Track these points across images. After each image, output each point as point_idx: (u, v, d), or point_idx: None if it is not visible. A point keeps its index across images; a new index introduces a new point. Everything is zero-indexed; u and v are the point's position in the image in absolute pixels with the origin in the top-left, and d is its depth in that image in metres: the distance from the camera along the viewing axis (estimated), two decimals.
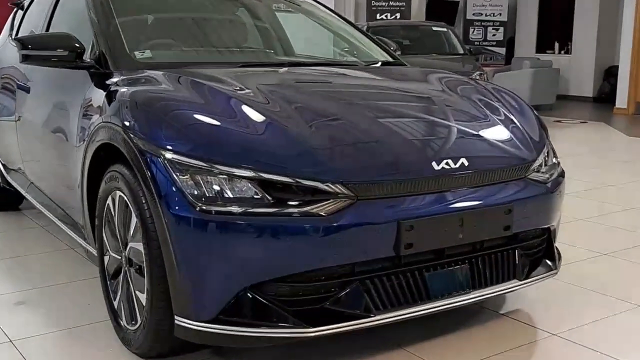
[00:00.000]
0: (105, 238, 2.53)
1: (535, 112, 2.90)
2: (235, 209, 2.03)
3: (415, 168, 2.25)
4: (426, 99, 2.83)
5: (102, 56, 2.78)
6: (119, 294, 2.45)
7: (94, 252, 2.69)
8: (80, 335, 2.57)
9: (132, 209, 2.26)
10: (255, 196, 2.05)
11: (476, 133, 2.54)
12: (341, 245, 2.08)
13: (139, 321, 2.29)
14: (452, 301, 2.28)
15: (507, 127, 2.64)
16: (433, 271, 2.26)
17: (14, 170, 3.83)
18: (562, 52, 13.48)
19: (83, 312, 2.76)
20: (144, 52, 2.93)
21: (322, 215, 2.05)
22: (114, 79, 2.65)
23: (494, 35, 14.11)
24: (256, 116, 2.30)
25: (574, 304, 2.86)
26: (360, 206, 2.10)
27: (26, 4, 4.20)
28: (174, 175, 2.08)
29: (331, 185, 2.08)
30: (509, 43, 14.11)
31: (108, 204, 2.46)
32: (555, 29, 13.47)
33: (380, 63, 3.45)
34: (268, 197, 2.05)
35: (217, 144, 2.16)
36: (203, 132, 2.23)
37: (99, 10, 3.02)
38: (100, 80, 2.71)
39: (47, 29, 3.52)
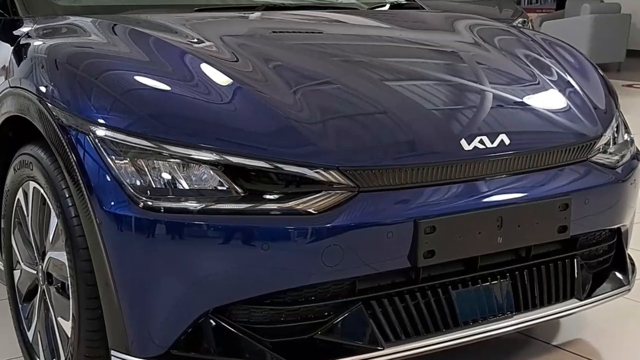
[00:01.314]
0: (15, 246, 2.58)
1: (601, 73, 2.93)
2: (192, 205, 2.04)
3: (438, 148, 2.29)
4: (451, 55, 2.88)
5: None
6: (34, 322, 2.50)
7: (0, 265, 2.74)
8: None
9: (51, 206, 2.28)
10: (219, 187, 2.08)
11: (520, 101, 2.60)
12: (338, 254, 2.08)
13: (62, 358, 2.33)
14: (488, 329, 2.32)
15: (562, 92, 2.70)
16: (462, 288, 2.30)
17: None
18: None
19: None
20: None
21: (311, 213, 2.07)
22: (25, 29, 2.70)
23: None
24: (221, 79, 2.33)
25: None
26: (363, 200, 2.12)
27: None
28: (108, 160, 2.08)
29: (324, 172, 2.10)
30: None
31: (18, 199, 2.51)
32: None
33: (388, 6, 3.50)
34: (237, 188, 2.07)
35: (168, 117, 2.17)
36: (148, 101, 2.24)
37: None
38: (5, 30, 2.75)
39: None
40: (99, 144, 2.10)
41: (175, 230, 2.03)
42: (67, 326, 2.26)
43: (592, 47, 10.29)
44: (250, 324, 2.10)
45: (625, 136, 2.74)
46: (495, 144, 2.31)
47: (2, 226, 2.61)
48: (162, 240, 2.04)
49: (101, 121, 2.14)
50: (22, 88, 2.42)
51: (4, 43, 2.71)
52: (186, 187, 2.06)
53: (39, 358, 2.47)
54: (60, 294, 2.31)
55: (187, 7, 3.11)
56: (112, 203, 2.05)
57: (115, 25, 2.64)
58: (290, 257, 2.07)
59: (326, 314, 2.15)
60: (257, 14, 3.25)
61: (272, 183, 2.10)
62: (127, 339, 2.10)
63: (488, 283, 2.34)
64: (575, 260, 2.49)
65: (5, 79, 2.56)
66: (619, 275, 2.62)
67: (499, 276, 2.35)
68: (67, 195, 2.18)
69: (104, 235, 2.06)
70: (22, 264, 2.54)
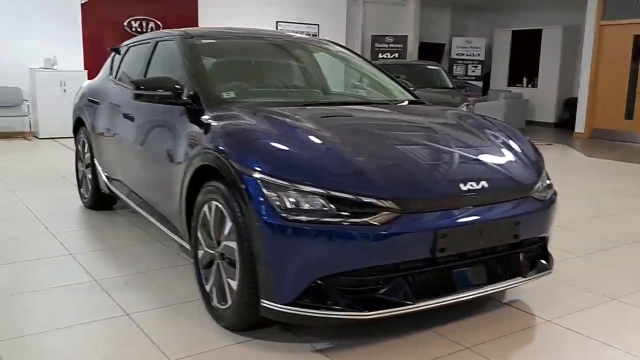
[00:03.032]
0: (200, 237, 2.57)
1: (531, 141, 2.89)
2: (309, 218, 2.08)
3: (446, 188, 2.29)
4: (451, 132, 2.79)
5: (196, 96, 2.84)
6: (211, 280, 2.50)
7: (188, 247, 2.76)
8: (180, 310, 2.65)
9: (226, 216, 2.30)
10: (324, 208, 2.09)
11: (492, 161, 2.55)
12: (390, 248, 2.11)
13: (229, 302, 2.35)
14: (472, 293, 2.31)
15: (514, 155, 2.66)
16: (458, 269, 2.30)
17: (115, 180, 3.90)
18: (529, 85, 13.52)
19: (177, 292, 2.84)
20: (229, 93, 3.00)
21: (376, 225, 2.09)
22: (207, 115, 2.70)
23: (473, 71, 14.15)
24: (318, 142, 2.35)
25: (561, 296, 2.92)
26: (405, 218, 2.13)
27: (122, 50, 4.31)
28: (263, 191, 2.13)
29: (384, 201, 2.12)
30: (485, 78, 14.17)
31: (204, 211, 2.51)
32: (524, 66, 13.50)
33: (406, 102, 3.45)
34: (334, 209, 2.09)
35: (292, 166, 2.20)
36: (281, 157, 2.28)
37: (190, 58, 3.10)
38: (196, 115, 2.76)
39: (146, 72, 3.59)
40: (258, 182, 2.14)
41: (299, 231, 2.07)
42: (234, 284, 2.29)
43: (505, 118, 10.22)
44: (339, 287, 2.11)
45: (547, 181, 2.70)
46: (479, 186, 2.32)
47: (192, 225, 2.60)
48: (292, 237, 2.08)
49: (257, 169, 2.18)
50: (209, 149, 2.45)
51: (196, 122, 2.71)
52: (306, 207, 2.09)
53: (212, 301, 2.47)
54: (229, 265, 2.33)
55: (297, 104, 3.05)
56: (266, 216, 2.09)
57: (258, 112, 2.66)
58: (363, 249, 2.08)
59: (382, 282, 2.15)
60: (334, 107, 3.19)
61: (353, 206, 2.10)
62: (271, 292, 2.14)
63: (473, 267, 2.33)
64: (520, 254, 2.47)
65: (198, 143, 2.58)
66: (544, 263, 2.60)
67: (478, 263, 2.35)
68: (237, 210, 2.21)
69: (261, 234, 2.11)
70: (204, 247, 2.53)
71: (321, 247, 2.08)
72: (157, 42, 3.65)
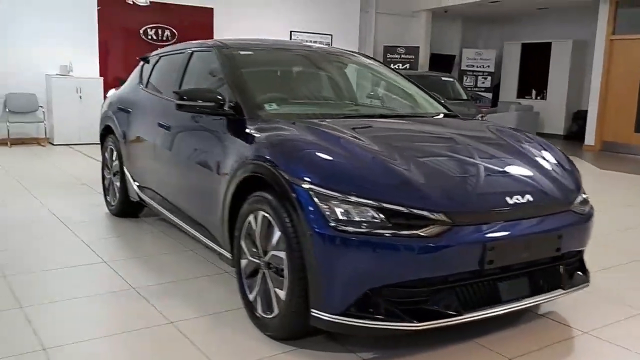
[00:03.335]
0: (244, 246, 2.58)
1: (568, 156, 2.90)
2: (361, 229, 2.08)
3: (494, 202, 2.31)
4: (492, 146, 2.79)
5: (238, 107, 2.86)
6: (255, 289, 2.51)
7: (229, 256, 2.77)
8: (222, 318, 2.67)
9: (274, 225, 2.31)
10: (374, 220, 2.10)
11: (535, 175, 2.56)
12: (440, 261, 2.12)
13: (275, 311, 2.36)
14: (517, 305, 2.33)
15: (554, 169, 2.68)
16: (503, 281, 2.31)
17: (147, 188, 3.93)
18: (538, 97, 13.58)
19: (216, 301, 2.86)
20: (270, 104, 3.02)
21: (428, 237, 2.10)
22: (252, 126, 2.72)
23: (482, 82, 14.24)
24: (371, 156, 2.35)
25: (594, 308, 2.93)
26: (455, 231, 2.15)
27: (153, 60, 4.35)
28: (316, 201, 2.15)
29: (435, 214, 2.14)
30: (495, 89, 14.26)
31: (249, 221, 2.51)
32: (533, 79, 13.57)
33: (442, 115, 3.47)
34: (385, 220, 2.10)
35: (348, 179, 2.21)
36: (325, 166, 2.29)
37: (230, 69, 3.14)
38: (239, 125, 2.79)
39: (182, 82, 3.62)
40: (310, 192, 2.16)
41: (351, 242, 2.07)
42: (281, 294, 2.30)
43: None
44: (390, 298, 2.12)
45: (584, 195, 2.69)
46: (525, 200, 2.34)
47: (236, 234, 2.61)
48: (343, 247, 2.08)
49: (308, 179, 2.20)
50: (256, 159, 2.47)
51: (239, 133, 2.72)
52: (358, 219, 2.10)
53: (256, 310, 2.49)
54: (276, 274, 2.34)
55: (337, 116, 3.10)
56: (318, 226, 2.11)
57: (300, 123, 2.69)
58: (414, 261, 2.09)
59: (430, 293, 2.16)
60: (373, 119, 3.16)
61: (405, 218, 2.11)
62: (322, 302, 2.15)
63: (516, 279, 2.34)
64: (561, 266, 2.49)
65: (243, 154, 2.59)
66: (582, 275, 2.62)
67: (521, 275, 2.36)
68: (287, 220, 2.22)
69: (313, 244, 2.12)
70: (248, 256, 2.55)
71: (372, 259, 2.09)
72: (192, 53, 3.70)
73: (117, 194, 4.43)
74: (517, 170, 2.58)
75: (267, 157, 2.42)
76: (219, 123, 2.94)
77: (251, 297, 2.57)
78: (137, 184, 4.09)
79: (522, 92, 13.90)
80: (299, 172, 2.26)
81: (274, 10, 11.35)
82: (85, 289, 3.03)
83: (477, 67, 14.21)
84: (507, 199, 2.32)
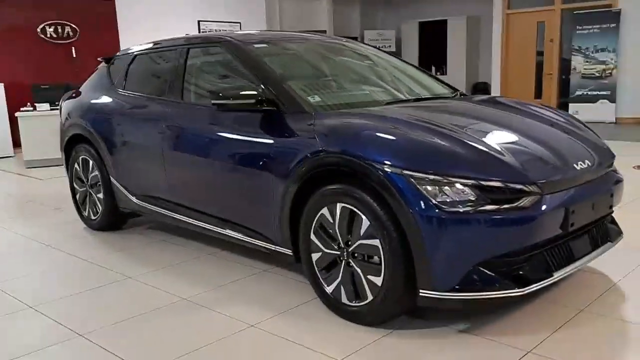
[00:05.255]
0: (316, 240, 2.59)
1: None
2: (464, 208, 2.17)
3: (568, 170, 2.48)
4: (537, 118, 2.97)
5: (279, 102, 2.81)
6: (337, 280, 2.54)
7: (288, 252, 2.79)
8: (298, 313, 2.67)
9: (362, 215, 2.35)
10: (471, 197, 2.19)
11: (583, 141, 2.80)
12: (537, 228, 2.25)
13: (369, 297, 2.40)
14: (586, 260, 2.52)
15: (589, 135, 2.94)
16: (574, 241, 2.50)
17: (152, 197, 3.70)
18: (439, 72, 14.40)
19: (279, 298, 2.83)
20: (313, 97, 2.96)
21: (525, 207, 2.22)
22: (306, 120, 2.68)
23: None
24: (453, 136, 2.41)
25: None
26: (544, 199, 2.29)
27: (121, 60, 4.13)
28: (416, 186, 2.20)
29: (529, 186, 2.27)
30: None
31: (322, 214, 2.52)
32: (433, 55, 14.37)
33: (459, 94, 3.55)
34: (485, 197, 2.19)
35: (442, 159, 2.29)
36: (425, 151, 2.34)
37: (255, 64, 3.08)
38: (275, 118, 2.78)
39: (183, 81, 3.48)
40: (406, 178, 2.20)
41: (456, 221, 2.16)
42: (377, 280, 2.34)
43: None
44: (494, 268, 2.22)
45: None
46: (586, 165, 2.55)
47: (302, 230, 2.60)
48: (450, 227, 2.16)
49: (399, 165, 2.23)
50: (321, 153, 2.48)
51: (290, 128, 2.72)
52: (457, 198, 2.18)
53: (340, 302, 2.52)
54: (368, 262, 2.37)
55: (380, 103, 3.08)
56: (423, 209, 2.17)
57: (355, 111, 2.73)
58: (516, 232, 2.21)
59: (528, 259, 2.29)
60: (415, 103, 3.17)
61: (501, 194, 2.22)
62: (431, 282, 2.23)
63: (582, 237, 2.53)
64: (606, 222, 2.73)
65: (303, 150, 2.57)
66: (617, 228, 2.86)
67: (585, 233, 2.56)
68: (379, 209, 2.27)
69: (419, 225, 2.17)
70: (322, 249, 2.55)
71: (478, 234, 2.19)
72: (188, 49, 3.55)
73: (101, 206, 4.15)
74: (571, 138, 2.81)
75: (344, 148, 2.42)
76: (260, 120, 2.87)
77: (329, 289, 2.60)
78: (134, 193, 3.85)
79: (423, 68, 14.67)
80: (389, 158, 2.30)
81: (179, 0, 10.97)
82: (136, 307, 2.83)
83: (379, 47, 14.73)
84: (575, 165, 2.52)
